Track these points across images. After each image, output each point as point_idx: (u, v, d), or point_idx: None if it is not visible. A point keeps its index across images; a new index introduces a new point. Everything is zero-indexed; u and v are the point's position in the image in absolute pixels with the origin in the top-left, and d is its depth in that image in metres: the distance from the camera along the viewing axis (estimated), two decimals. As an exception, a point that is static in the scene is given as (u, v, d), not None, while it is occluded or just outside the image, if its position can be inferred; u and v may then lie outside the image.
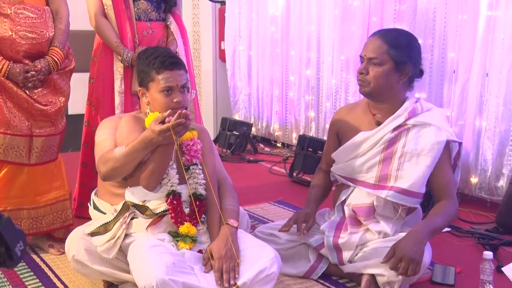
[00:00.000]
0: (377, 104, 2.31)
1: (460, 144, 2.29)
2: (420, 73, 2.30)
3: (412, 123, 2.23)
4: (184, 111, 1.99)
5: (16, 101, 2.44)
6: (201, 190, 2.16)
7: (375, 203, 2.24)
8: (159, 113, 2.06)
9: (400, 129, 2.25)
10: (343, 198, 2.34)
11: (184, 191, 2.15)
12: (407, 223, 2.31)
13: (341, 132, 2.41)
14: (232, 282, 1.92)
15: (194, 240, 2.06)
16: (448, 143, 2.24)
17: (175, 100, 2.10)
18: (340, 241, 2.26)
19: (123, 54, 2.78)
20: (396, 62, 2.20)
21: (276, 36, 4.73)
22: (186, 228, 2.07)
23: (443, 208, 2.20)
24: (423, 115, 2.24)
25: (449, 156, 2.27)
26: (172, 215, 2.08)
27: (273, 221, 3.05)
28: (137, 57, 2.26)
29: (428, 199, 3.06)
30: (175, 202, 2.09)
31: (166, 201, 2.09)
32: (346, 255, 2.26)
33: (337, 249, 2.28)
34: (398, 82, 2.24)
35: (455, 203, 2.24)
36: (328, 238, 2.29)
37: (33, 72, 2.41)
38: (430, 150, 2.20)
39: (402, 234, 2.17)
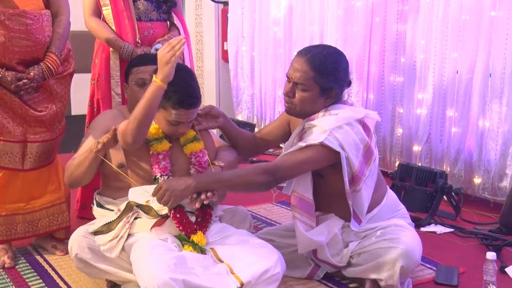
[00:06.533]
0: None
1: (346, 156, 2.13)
2: (348, 84, 2.28)
3: (308, 126, 2.21)
4: (114, 128, 2.13)
5: (10, 107, 2.40)
6: None
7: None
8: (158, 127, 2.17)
9: (301, 134, 2.25)
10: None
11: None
12: (376, 216, 2.28)
13: (291, 126, 2.42)
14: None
15: (202, 250, 2.06)
16: (329, 149, 2.11)
17: (180, 131, 2.16)
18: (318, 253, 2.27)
19: (122, 48, 2.77)
20: (322, 88, 2.19)
21: (279, 37, 4.72)
22: (198, 237, 2.08)
23: (249, 168, 2.12)
24: (318, 120, 2.19)
25: (319, 154, 2.12)
26: (180, 228, 2.09)
27: (276, 222, 3.06)
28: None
29: (432, 199, 3.07)
30: (178, 215, 2.09)
31: (170, 216, 2.09)
32: (337, 259, 2.26)
33: (322, 261, 2.29)
34: (324, 105, 2.23)
35: (267, 176, 2.09)
36: (310, 254, 2.32)
37: (25, 80, 2.36)
38: (304, 142, 2.15)
39: (386, 223, 2.21)
